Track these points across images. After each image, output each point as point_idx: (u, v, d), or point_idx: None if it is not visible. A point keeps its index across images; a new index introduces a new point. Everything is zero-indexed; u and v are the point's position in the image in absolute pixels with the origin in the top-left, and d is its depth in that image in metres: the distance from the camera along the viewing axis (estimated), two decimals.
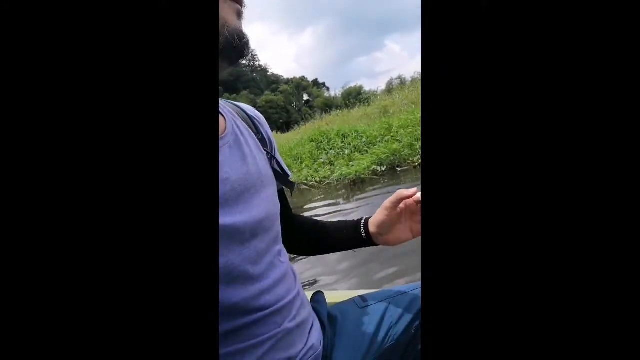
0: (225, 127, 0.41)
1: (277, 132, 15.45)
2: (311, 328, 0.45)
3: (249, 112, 0.48)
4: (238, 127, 0.43)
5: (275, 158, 0.49)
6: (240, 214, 0.37)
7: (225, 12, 0.33)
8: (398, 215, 0.50)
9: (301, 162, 6.12)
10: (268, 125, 0.51)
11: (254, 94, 36.13)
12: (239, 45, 0.34)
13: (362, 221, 0.54)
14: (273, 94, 35.14)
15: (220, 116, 0.42)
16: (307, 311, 0.46)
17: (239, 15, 0.35)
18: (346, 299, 0.59)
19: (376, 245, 0.54)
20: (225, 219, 0.35)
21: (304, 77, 40.73)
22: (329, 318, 0.53)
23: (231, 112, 0.45)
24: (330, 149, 6.15)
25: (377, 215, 0.52)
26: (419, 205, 0.51)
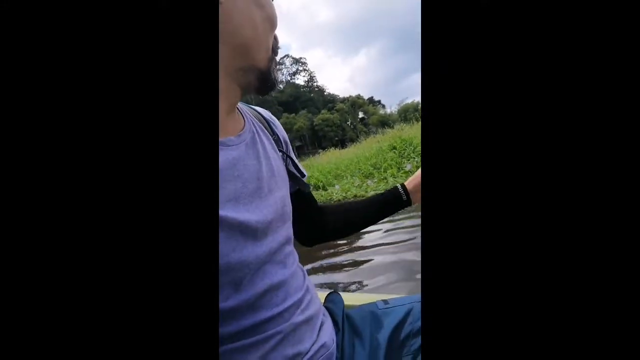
0: (244, 125, 0.42)
1: (334, 149, 15.49)
2: (322, 325, 0.44)
3: (264, 114, 0.50)
4: (255, 127, 0.44)
5: (290, 158, 0.49)
6: (252, 212, 0.37)
7: (274, 62, 0.41)
8: None
9: (384, 171, 5.92)
10: (282, 128, 0.53)
11: (311, 112, 37.38)
12: (275, 87, 0.42)
13: (399, 187, 0.57)
14: (329, 112, 35.94)
15: (240, 115, 0.43)
16: (317, 307, 0.44)
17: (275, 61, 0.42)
18: (367, 302, 0.55)
19: (411, 205, 0.57)
20: (238, 215, 0.36)
21: (359, 95, 41.19)
22: (347, 319, 0.51)
23: (249, 113, 0.47)
24: (416, 157, 5.87)
25: (414, 180, 0.56)
26: None
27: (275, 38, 0.42)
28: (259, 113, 0.49)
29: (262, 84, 0.41)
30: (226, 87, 0.38)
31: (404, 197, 0.56)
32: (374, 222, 0.59)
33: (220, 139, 0.37)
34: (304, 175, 0.52)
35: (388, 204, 0.57)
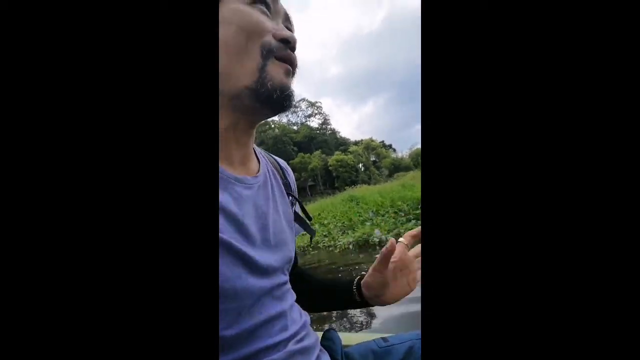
0: (259, 169, 0.45)
1: (360, 186, 15.45)
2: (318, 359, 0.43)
3: (280, 163, 0.53)
4: (269, 172, 0.47)
5: (298, 201, 0.52)
6: (257, 251, 0.39)
7: (272, 69, 0.37)
8: (392, 274, 0.49)
9: None
10: (293, 175, 0.55)
11: (325, 153, 38.49)
12: (279, 97, 0.38)
13: (355, 283, 0.52)
14: (343, 153, 36.88)
15: (256, 158, 0.46)
16: (313, 340, 0.44)
17: (287, 73, 0.39)
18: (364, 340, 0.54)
19: (371, 306, 0.52)
20: (242, 247, 0.37)
21: (372, 138, 42.41)
22: (347, 358, 0.51)
23: (266, 158, 0.50)
24: None
25: (368, 278, 0.50)
26: (417, 258, 0.52)
27: (276, 35, 0.38)
28: (276, 161, 0.53)
29: (263, 100, 0.37)
30: (226, 117, 0.38)
31: (357, 299, 0.51)
32: (322, 309, 0.57)
33: (239, 176, 0.40)
34: (310, 219, 0.53)
35: (336, 295, 0.54)
